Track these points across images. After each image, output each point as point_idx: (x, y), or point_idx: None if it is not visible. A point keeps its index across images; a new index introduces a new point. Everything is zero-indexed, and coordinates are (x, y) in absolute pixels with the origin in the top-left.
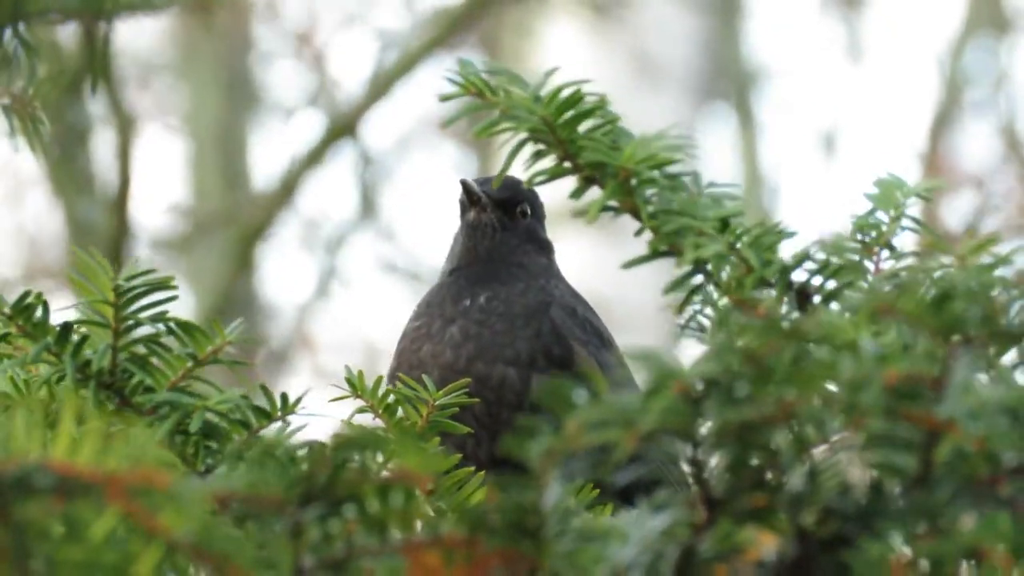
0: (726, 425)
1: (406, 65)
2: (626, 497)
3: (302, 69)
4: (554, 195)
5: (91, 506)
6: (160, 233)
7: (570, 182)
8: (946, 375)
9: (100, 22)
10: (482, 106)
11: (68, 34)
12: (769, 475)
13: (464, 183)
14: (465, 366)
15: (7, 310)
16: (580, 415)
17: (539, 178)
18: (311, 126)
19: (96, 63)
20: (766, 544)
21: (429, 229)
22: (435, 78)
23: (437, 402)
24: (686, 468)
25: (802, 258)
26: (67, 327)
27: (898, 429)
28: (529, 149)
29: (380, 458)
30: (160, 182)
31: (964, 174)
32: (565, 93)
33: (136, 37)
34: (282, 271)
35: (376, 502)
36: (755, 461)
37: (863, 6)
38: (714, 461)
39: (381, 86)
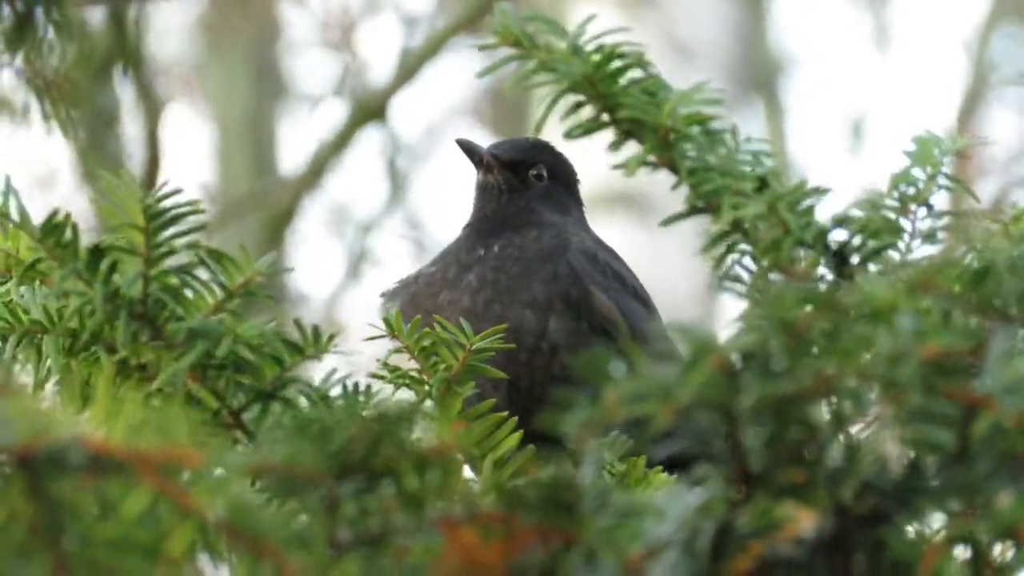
0: (764, 399)
1: (433, 47)
2: (671, 471)
3: (330, 55)
4: (586, 178)
5: (124, 483)
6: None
7: (602, 167)
8: (984, 350)
9: (130, 4)
10: (519, 56)
11: (98, 18)
12: (807, 450)
13: (460, 143)
14: (483, 310)
15: (36, 233)
16: (618, 387)
17: (576, 131)
18: (339, 111)
19: (126, 46)
20: (804, 520)
21: (458, 214)
22: (464, 62)
23: (474, 346)
24: (723, 443)
25: (840, 221)
26: (97, 251)
27: (936, 404)
28: (565, 103)
29: (418, 432)
30: (189, 167)
31: (992, 160)
32: (605, 46)
33: (165, 23)
34: (311, 257)
35: (414, 477)
36: (793, 436)
37: None
38: (752, 436)
39: (408, 69)
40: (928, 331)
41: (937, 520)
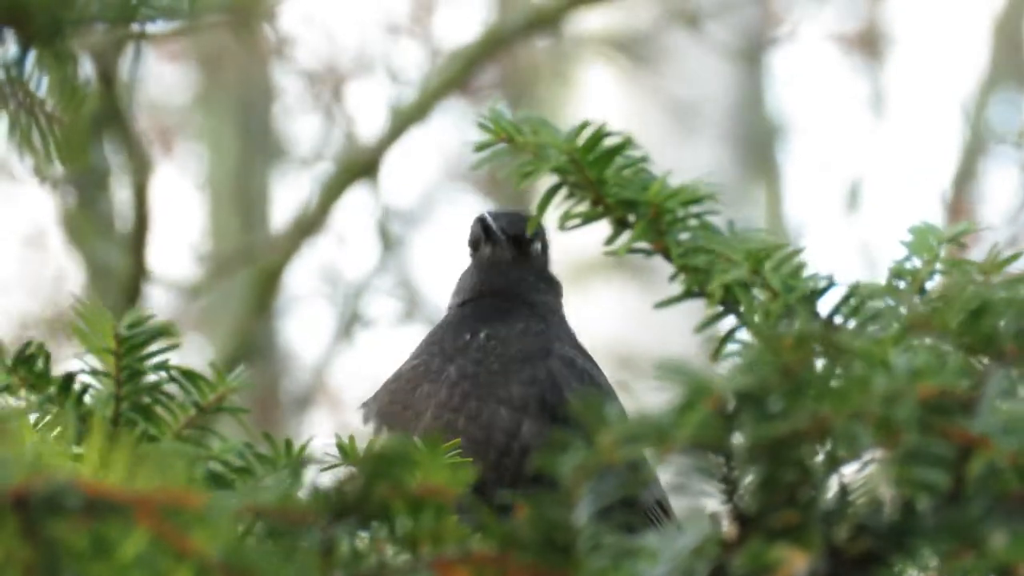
0: (759, 440)
1: (423, 105)
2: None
3: (320, 114)
4: (586, 243)
5: (120, 525)
6: (178, 277)
7: (601, 230)
8: (979, 390)
9: (120, 62)
10: (512, 151)
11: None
12: (801, 492)
13: (483, 218)
14: (459, 403)
15: (8, 361)
16: (613, 429)
17: (572, 222)
18: (329, 170)
19: (115, 105)
20: (797, 562)
21: (450, 277)
22: (455, 123)
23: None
24: (718, 485)
25: (827, 285)
26: (69, 377)
27: (931, 445)
28: (561, 194)
29: (410, 475)
30: (178, 227)
31: (989, 225)
32: (590, 130)
33: (156, 83)
34: (302, 318)
35: (407, 518)
36: (787, 477)
37: (885, 58)
38: (747, 478)
39: (398, 126)
40: (924, 371)
41: (932, 561)
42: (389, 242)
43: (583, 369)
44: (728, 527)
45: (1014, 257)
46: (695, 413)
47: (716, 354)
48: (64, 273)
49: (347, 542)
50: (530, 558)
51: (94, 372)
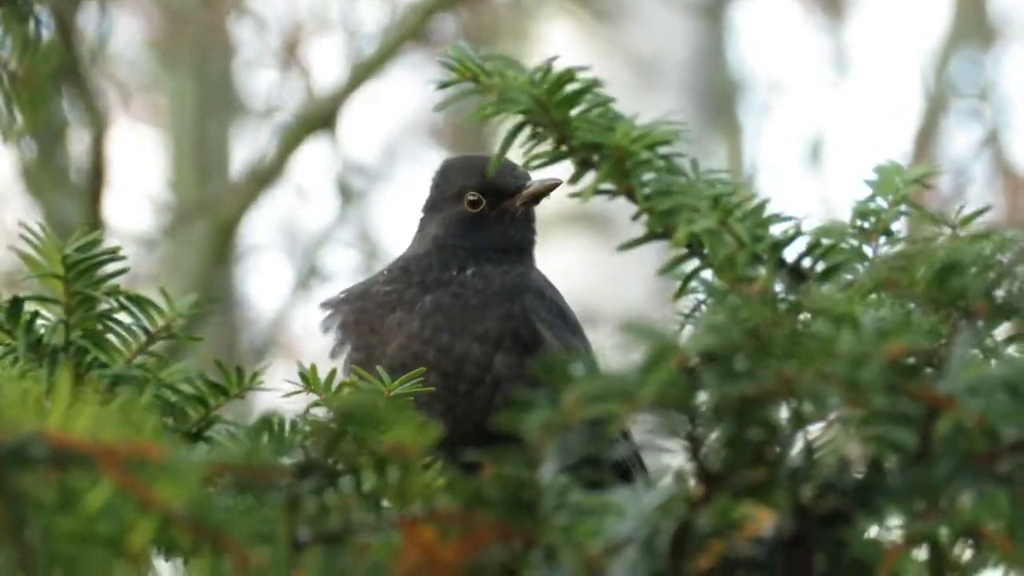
0: (725, 400)
1: (381, 57)
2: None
3: (278, 67)
4: (550, 200)
5: (86, 477)
6: (136, 228)
7: (565, 187)
8: (946, 350)
9: (77, 14)
10: (477, 90)
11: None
12: (767, 451)
13: (544, 187)
14: (430, 335)
15: None
16: (578, 388)
17: (536, 162)
18: (287, 122)
19: (73, 57)
20: (764, 520)
21: (409, 231)
22: (415, 77)
23: (391, 392)
24: (683, 443)
25: (794, 235)
26: (17, 302)
27: (897, 405)
28: (526, 133)
29: (376, 432)
30: (138, 178)
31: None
32: (556, 72)
33: (115, 35)
34: (260, 270)
35: (372, 476)
36: (753, 436)
37: (848, 15)
38: (712, 436)
39: (356, 78)
40: (890, 331)
41: (898, 520)
42: (348, 195)
43: (551, 300)
44: (695, 485)
45: (981, 211)
46: (660, 372)
47: (679, 294)
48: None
49: (312, 499)
50: (495, 516)
51: (42, 299)
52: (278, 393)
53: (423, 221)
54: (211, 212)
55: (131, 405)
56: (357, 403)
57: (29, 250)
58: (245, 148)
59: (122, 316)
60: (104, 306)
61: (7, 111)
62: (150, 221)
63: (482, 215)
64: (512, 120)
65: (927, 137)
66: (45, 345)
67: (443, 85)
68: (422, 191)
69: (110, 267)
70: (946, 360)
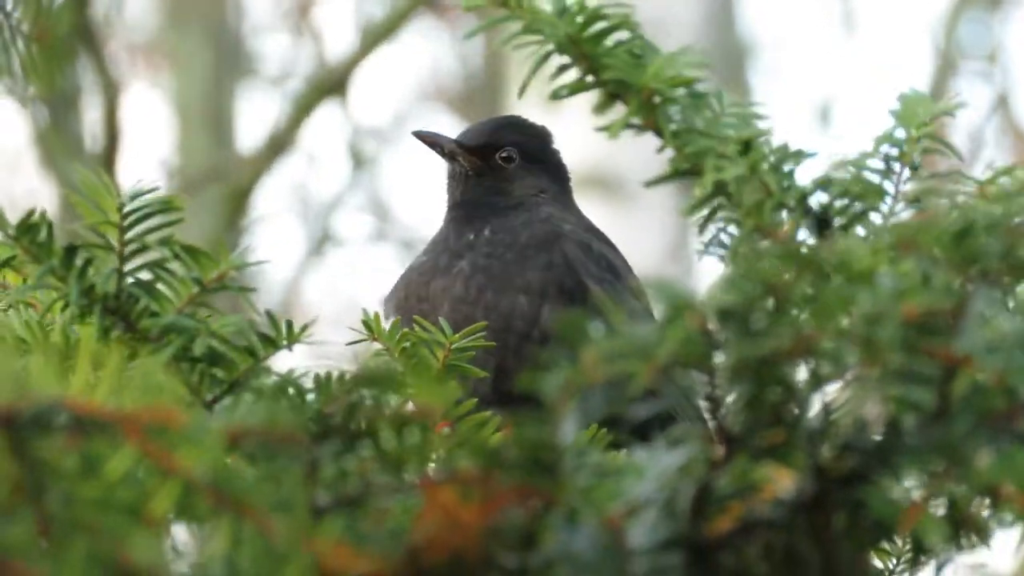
0: (743, 359)
1: (392, 22)
2: (642, 434)
3: (290, 32)
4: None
5: (107, 444)
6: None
7: (576, 150)
8: (964, 309)
9: None
10: (505, 18)
11: None
12: (786, 411)
13: (419, 135)
14: (476, 296)
15: (11, 231)
16: (596, 347)
17: (562, 92)
18: (299, 88)
19: (86, 24)
20: (783, 481)
21: (423, 199)
22: (427, 43)
23: (454, 345)
24: (702, 403)
25: (822, 183)
26: (72, 249)
27: (915, 364)
28: (551, 65)
29: (396, 394)
30: (149, 144)
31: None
32: (590, 7)
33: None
34: (274, 234)
35: (392, 439)
36: (772, 397)
37: None
38: (731, 397)
39: (367, 44)
40: (908, 291)
41: (916, 479)
42: (360, 160)
43: (599, 253)
44: (714, 446)
45: (1008, 170)
46: (678, 330)
47: (701, 230)
48: (36, 194)
49: (332, 462)
50: (515, 478)
51: (98, 246)
52: (326, 347)
53: None
54: (223, 179)
55: (153, 370)
56: (375, 365)
57: (86, 196)
58: (256, 113)
59: (174, 267)
60: (157, 255)
61: (20, 73)
62: (162, 187)
63: (448, 176)
64: (539, 49)
65: (936, 98)
66: (97, 292)
67: (470, 6)
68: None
69: (164, 217)
70: (963, 320)
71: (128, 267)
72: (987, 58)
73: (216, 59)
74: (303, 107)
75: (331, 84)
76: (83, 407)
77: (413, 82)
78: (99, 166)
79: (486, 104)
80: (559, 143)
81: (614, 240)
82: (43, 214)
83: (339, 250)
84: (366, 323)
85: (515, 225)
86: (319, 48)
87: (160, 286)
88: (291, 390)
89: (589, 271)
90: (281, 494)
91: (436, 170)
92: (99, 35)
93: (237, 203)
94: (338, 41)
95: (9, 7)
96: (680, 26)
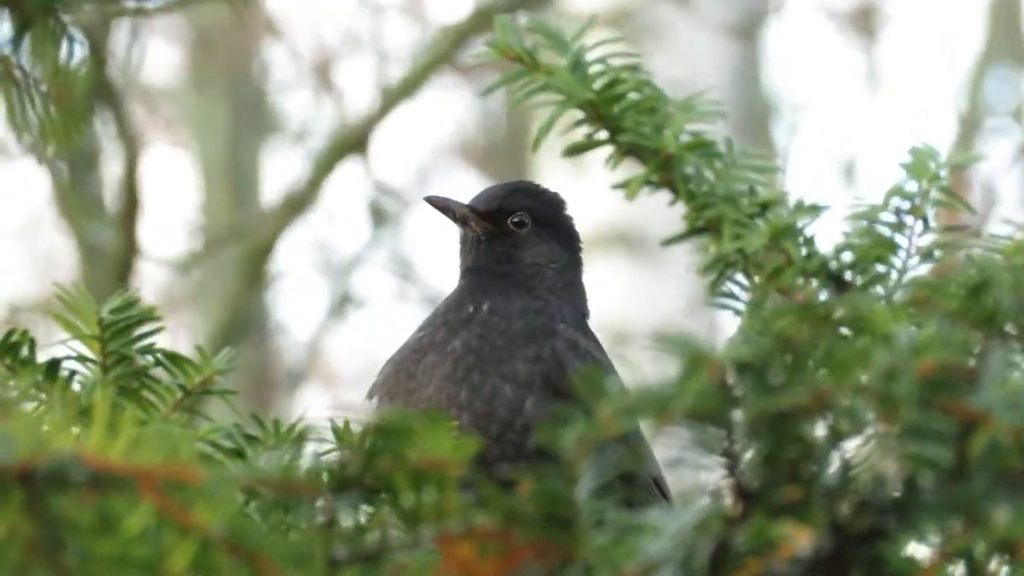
0: (760, 413)
1: (413, 81)
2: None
3: (312, 91)
4: (582, 218)
5: (125, 500)
6: (169, 253)
7: (598, 208)
8: (981, 366)
9: (109, 40)
10: (521, 74)
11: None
12: (804, 467)
13: (430, 200)
14: (463, 375)
15: None
16: (612, 401)
17: (576, 150)
18: (320, 147)
19: (105, 83)
20: (801, 538)
21: (444, 255)
22: (451, 101)
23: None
24: (719, 459)
25: (842, 249)
26: (54, 364)
27: (932, 420)
28: (564, 122)
29: (412, 448)
30: (170, 203)
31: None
32: (609, 69)
33: (147, 60)
34: (295, 292)
35: (410, 493)
36: (789, 453)
37: (880, 34)
38: (749, 453)
39: (388, 101)
40: (925, 346)
41: (934, 536)
42: (381, 218)
43: (586, 351)
44: (731, 503)
45: None
46: (694, 383)
47: (713, 288)
48: (56, 253)
49: (349, 517)
50: (533, 533)
51: (80, 358)
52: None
53: None
54: (243, 237)
55: (169, 429)
56: (393, 419)
57: (64, 311)
58: (277, 171)
59: (159, 373)
60: (139, 363)
61: (40, 133)
62: (183, 246)
63: (461, 240)
64: (554, 109)
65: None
66: (82, 404)
67: (479, 57)
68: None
69: (146, 326)
70: (980, 376)
71: (112, 376)
72: (1012, 114)
73: (238, 117)
74: (323, 166)
75: (351, 142)
76: (100, 463)
77: (436, 139)
78: (119, 225)
79: (509, 160)
80: (583, 199)
81: (637, 296)
82: (24, 332)
83: (361, 308)
84: (335, 431)
85: (513, 309)
86: (340, 106)
87: (145, 393)
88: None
89: (575, 368)
90: (298, 547)
91: (454, 232)
92: (118, 93)
93: (257, 261)
94: (359, 98)
95: (27, 65)
96: (706, 82)
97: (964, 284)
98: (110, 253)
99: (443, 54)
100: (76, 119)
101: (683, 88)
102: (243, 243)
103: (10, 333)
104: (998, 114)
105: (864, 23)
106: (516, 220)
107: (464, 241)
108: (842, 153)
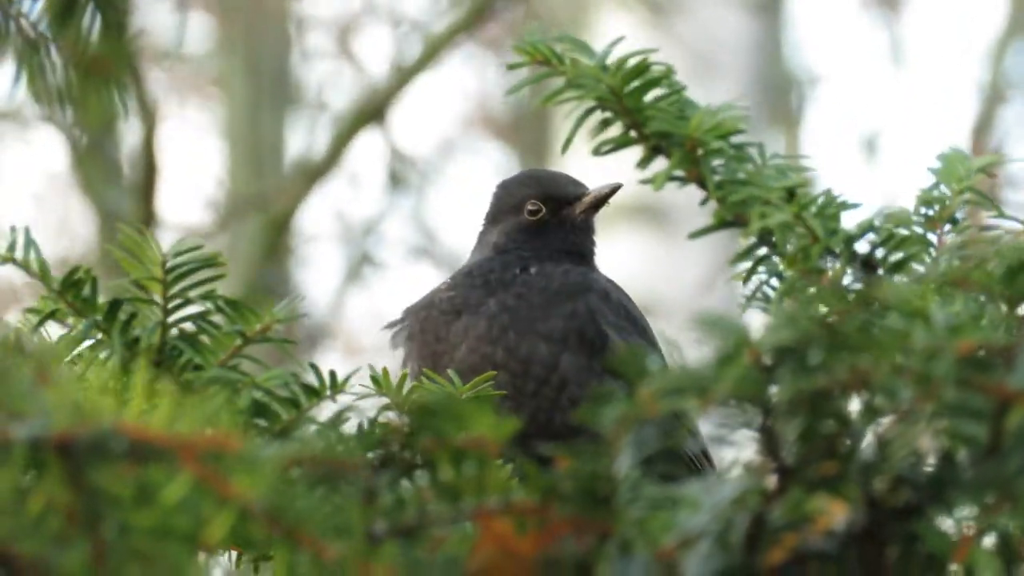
0: (799, 393)
1: (431, 52)
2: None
3: (334, 62)
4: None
5: (164, 471)
6: (188, 222)
7: (633, 169)
8: (1017, 345)
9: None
10: (548, 74)
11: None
12: (840, 444)
13: (613, 189)
14: (498, 335)
15: (56, 286)
16: (654, 382)
17: (605, 147)
18: (339, 116)
19: (124, 52)
20: (836, 513)
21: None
22: (468, 71)
23: (463, 396)
24: (755, 436)
25: (867, 227)
26: (116, 304)
27: (969, 399)
28: (593, 120)
29: (453, 426)
30: (192, 171)
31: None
32: (632, 62)
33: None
34: (315, 258)
35: (449, 468)
36: (826, 430)
37: (903, 9)
38: (785, 430)
39: (407, 73)
40: (963, 326)
41: (969, 512)
42: (399, 185)
43: (618, 302)
44: (768, 478)
45: None
46: (735, 366)
47: (746, 280)
48: (72, 221)
49: (389, 492)
50: (571, 509)
51: (141, 300)
52: (364, 396)
53: (482, 233)
54: (263, 208)
55: (209, 398)
56: (434, 398)
57: (129, 253)
58: (299, 140)
59: (218, 319)
60: (200, 308)
61: (59, 100)
62: (203, 215)
63: (542, 223)
64: (582, 105)
65: (983, 129)
66: (141, 346)
67: (513, 67)
68: (479, 187)
69: (207, 271)
70: (1017, 355)
71: (171, 320)
72: None
73: (262, 86)
74: (343, 134)
75: (371, 111)
76: (140, 433)
77: (460, 110)
78: (137, 194)
79: (533, 132)
80: (604, 171)
81: (659, 268)
82: (87, 270)
83: (382, 273)
84: (374, 378)
85: (556, 272)
86: (361, 74)
87: (204, 339)
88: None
89: (607, 319)
90: (337, 520)
91: (480, 197)
92: (138, 62)
93: (276, 231)
94: (380, 67)
95: (48, 32)
96: (728, 56)
97: (1001, 264)
98: (127, 221)
99: (462, 23)
100: (97, 87)
101: (707, 59)
102: (262, 214)
103: (74, 270)
104: (1021, 87)
105: None
106: (582, 206)
107: (575, 224)
108: (864, 125)
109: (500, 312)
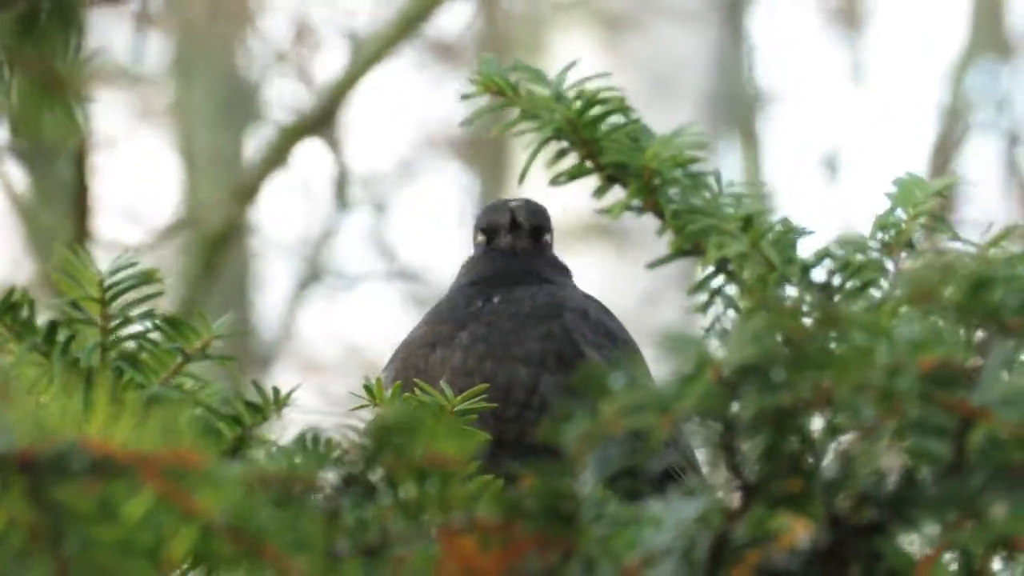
0: (762, 410)
1: (378, 51)
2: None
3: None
4: (567, 208)
5: (126, 486)
6: (123, 239)
7: (583, 197)
8: (980, 362)
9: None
10: (503, 104)
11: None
12: (803, 461)
13: (512, 209)
14: (474, 366)
15: None
16: (616, 399)
17: (562, 178)
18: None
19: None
20: (800, 531)
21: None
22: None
23: (455, 408)
24: (720, 453)
25: (823, 255)
26: (54, 325)
27: (932, 416)
28: (550, 150)
29: (416, 444)
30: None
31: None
32: (587, 91)
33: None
34: (264, 272)
35: (412, 487)
36: (790, 447)
37: (864, 28)
38: (748, 447)
39: (353, 74)
40: (924, 343)
41: (931, 530)
42: (345, 196)
43: (597, 320)
44: (731, 496)
45: (1010, 231)
46: (698, 383)
47: (704, 308)
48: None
49: (352, 510)
50: (535, 526)
51: (79, 321)
52: (310, 412)
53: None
54: (197, 225)
55: (171, 415)
56: (397, 414)
57: (66, 273)
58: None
59: (157, 337)
60: (139, 327)
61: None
62: (144, 233)
63: (493, 251)
64: (537, 137)
65: (944, 149)
66: (81, 367)
67: (467, 97)
68: (438, 206)
69: (146, 289)
70: (979, 373)
71: (111, 340)
72: (996, 107)
73: (221, 103)
74: (282, 144)
75: (315, 119)
76: (102, 449)
77: (418, 128)
78: (70, 215)
79: (491, 151)
80: (559, 190)
81: (623, 289)
82: (24, 292)
83: (336, 291)
84: (367, 388)
85: (523, 296)
86: (309, 86)
87: (144, 357)
88: (310, 439)
89: (586, 338)
90: (302, 537)
91: (442, 216)
92: (76, 81)
93: (211, 249)
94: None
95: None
96: (686, 74)
97: (964, 280)
98: (61, 240)
99: (392, 38)
100: (52, 104)
101: (669, 79)
102: (196, 232)
103: (10, 292)
104: (982, 107)
105: (849, 15)
106: (547, 239)
107: (510, 252)
108: (825, 143)
109: (473, 343)
